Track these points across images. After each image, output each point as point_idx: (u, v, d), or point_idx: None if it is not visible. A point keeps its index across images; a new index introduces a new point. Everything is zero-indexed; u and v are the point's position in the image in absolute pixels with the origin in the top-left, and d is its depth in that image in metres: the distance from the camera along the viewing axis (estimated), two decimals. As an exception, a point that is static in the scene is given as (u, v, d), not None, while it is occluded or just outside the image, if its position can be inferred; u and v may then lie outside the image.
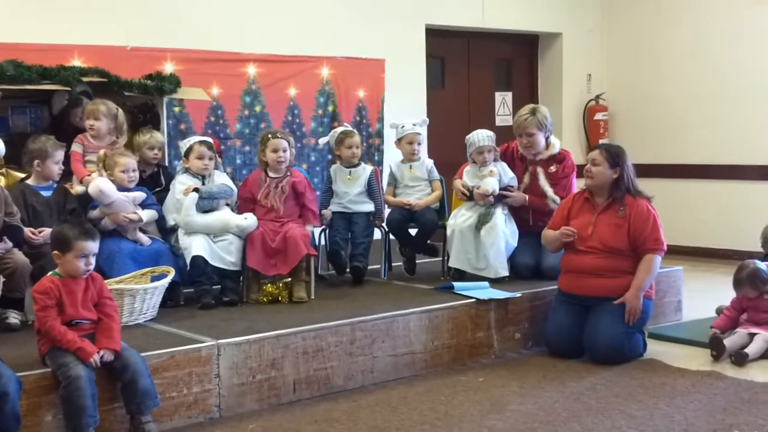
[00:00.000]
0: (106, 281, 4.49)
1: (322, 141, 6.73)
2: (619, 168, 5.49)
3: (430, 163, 6.38)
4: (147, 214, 5.43)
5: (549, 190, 6.21)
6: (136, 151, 5.82)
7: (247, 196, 5.80)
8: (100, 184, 5.26)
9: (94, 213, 5.33)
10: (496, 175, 6.03)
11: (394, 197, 6.32)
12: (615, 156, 5.52)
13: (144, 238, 5.39)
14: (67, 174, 5.65)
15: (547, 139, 6.27)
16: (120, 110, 5.91)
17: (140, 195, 5.46)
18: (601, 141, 9.59)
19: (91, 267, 4.19)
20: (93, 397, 3.93)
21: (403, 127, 6.34)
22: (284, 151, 5.76)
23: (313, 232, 5.93)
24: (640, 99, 10.02)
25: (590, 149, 5.79)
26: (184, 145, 5.77)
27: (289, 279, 5.60)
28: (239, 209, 5.76)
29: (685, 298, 6.69)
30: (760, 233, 6.44)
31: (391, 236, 6.36)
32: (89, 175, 5.61)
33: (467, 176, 6.17)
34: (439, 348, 5.35)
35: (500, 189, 6.04)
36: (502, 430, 4.28)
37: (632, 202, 5.48)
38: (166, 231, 5.61)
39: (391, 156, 7.27)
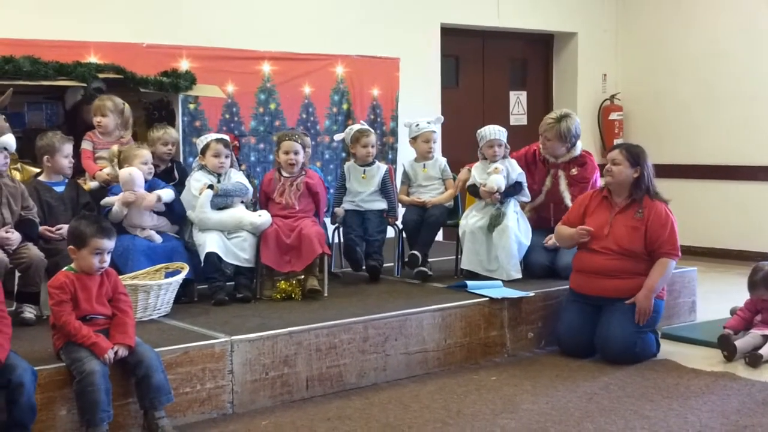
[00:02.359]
0: (120, 277, 4.51)
1: (338, 137, 6.73)
2: (639, 167, 5.46)
3: (443, 161, 6.37)
4: (165, 194, 5.44)
5: (567, 197, 6.21)
6: (150, 147, 5.84)
7: (263, 198, 5.84)
8: (132, 170, 5.31)
9: (112, 198, 5.32)
10: (503, 172, 6.02)
11: (408, 197, 6.32)
12: (635, 156, 5.49)
13: (155, 236, 5.39)
14: (78, 170, 5.67)
15: (570, 147, 6.27)
16: (126, 105, 5.93)
17: (169, 194, 5.46)
18: (616, 141, 9.56)
19: (106, 264, 4.21)
20: (107, 392, 3.95)
21: (417, 125, 6.34)
22: (296, 153, 5.76)
23: (326, 230, 5.95)
24: (655, 99, 9.99)
25: (606, 149, 5.79)
26: (200, 142, 5.79)
27: (303, 276, 5.61)
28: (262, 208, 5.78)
29: (699, 299, 6.67)
30: None
31: (404, 235, 6.36)
32: (101, 170, 5.64)
33: (476, 171, 6.17)
34: (451, 346, 5.34)
35: (509, 186, 6.04)
36: (515, 429, 4.28)
37: (651, 204, 5.45)
38: (181, 220, 5.61)
39: (405, 154, 7.27)
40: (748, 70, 9.14)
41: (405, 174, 6.39)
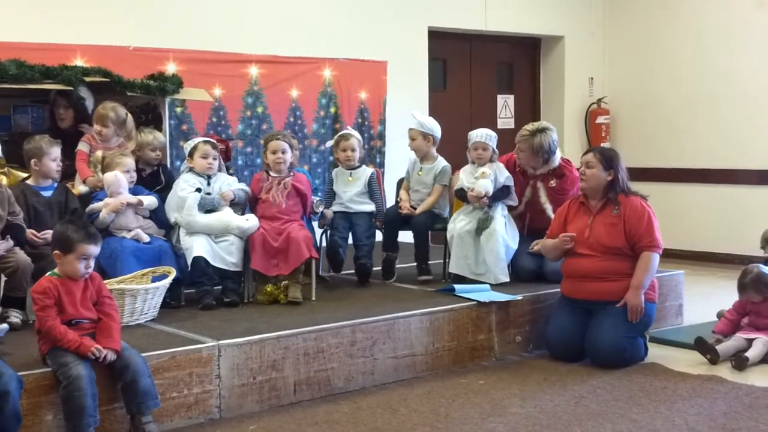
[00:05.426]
0: (107, 281, 4.49)
1: (329, 144, 6.72)
2: (613, 170, 5.51)
3: (439, 167, 6.28)
4: (148, 200, 5.44)
5: (549, 208, 6.21)
6: (139, 151, 5.84)
7: (251, 198, 5.84)
8: (117, 173, 5.34)
9: (98, 204, 5.31)
10: (490, 177, 6.02)
11: (408, 194, 6.33)
12: (608, 159, 5.54)
13: (142, 235, 5.37)
14: (67, 174, 5.64)
15: (545, 161, 6.26)
16: (129, 116, 5.92)
17: (152, 200, 5.46)
18: (602, 144, 9.58)
19: (90, 270, 4.19)
20: (93, 397, 3.93)
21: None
22: (283, 152, 5.77)
23: (314, 233, 5.94)
24: (642, 103, 10.02)
25: (585, 153, 5.79)
26: (188, 145, 5.79)
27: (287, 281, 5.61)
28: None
29: (686, 302, 6.69)
30: (761, 236, 6.43)
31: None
32: (93, 176, 5.63)
33: (464, 174, 6.17)
34: (439, 350, 5.34)
35: (497, 190, 6.03)
36: (503, 433, 4.28)
37: (626, 200, 5.49)
38: (167, 226, 5.60)
39: (393, 158, 7.27)
40: (734, 74, 9.18)
41: (407, 170, 6.41)
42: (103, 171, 5.46)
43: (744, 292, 5.63)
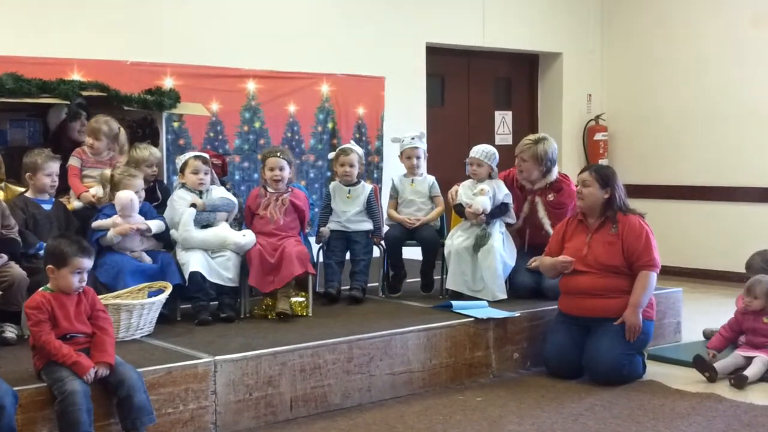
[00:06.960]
0: (103, 296, 4.47)
1: (331, 155, 6.71)
2: (609, 188, 5.50)
3: (431, 179, 6.33)
4: (156, 225, 5.42)
5: (547, 224, 6.20)
6: (135, 167, 5.81)
7: (248, 214, 5.82)
8: (132, 195, 5.31)
9: (106, 222, 5.29)
10: (488, 193, 6.01)
11: (397, 211, 6.29)
12: (605, 177, 5.53)
13: (145, 257, 5.36)
14: (62, 188, 5.62)
15: (545, 172, 6.26)
16: (122, 130, 5.90)
17: (160, 225, 5.44)
18: (600, 161, 9.60)
19: (84, 283, 4.17)
20: (88, 412, 3.90)
21: (403, 141, 6.34)
22: (281, 169, 5.76)
23: (311, 249, 5.92)
24: (640, 119, 10.03)
25: (582, 171, 5.78)
26: (180, 160, 5.78)
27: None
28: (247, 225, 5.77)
29: (684, 320, 6.67)
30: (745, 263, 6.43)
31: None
32: (87, 191, 5.61)
33: (463, 189, 6.17)
34: (437, 367, 5.32)
35: (495, 207, 6.02)
36: (501, 451, 4.26)
37: (624, 219, 5.49)
38: (171, 247, 5.57)
39: (391, 173, 7.23)
40: (733, 90, 9.19)
41: (393, 188, 6.35)
42: (113, 189, 5.43)
43: (752, 269, 5.71)
